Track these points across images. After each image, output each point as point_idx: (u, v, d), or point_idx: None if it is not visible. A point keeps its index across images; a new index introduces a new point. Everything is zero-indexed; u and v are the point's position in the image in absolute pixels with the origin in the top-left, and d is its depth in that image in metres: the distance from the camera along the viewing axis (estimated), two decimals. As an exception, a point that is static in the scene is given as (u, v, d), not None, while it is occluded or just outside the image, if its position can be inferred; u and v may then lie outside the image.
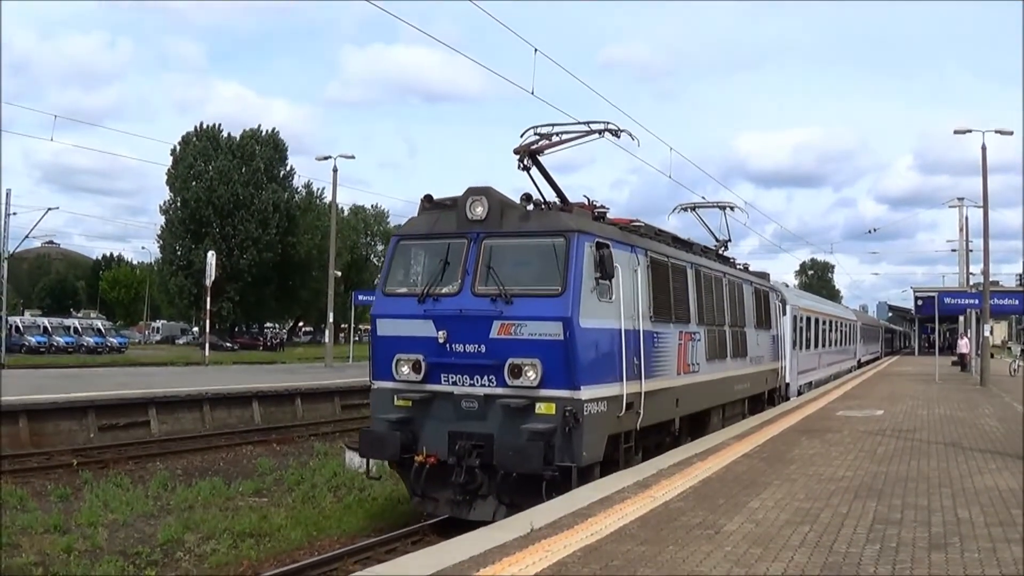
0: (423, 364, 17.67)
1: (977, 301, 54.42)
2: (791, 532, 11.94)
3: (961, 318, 72.85)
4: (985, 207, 49.26)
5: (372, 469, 19.36)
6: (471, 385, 17.39)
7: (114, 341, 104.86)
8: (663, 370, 20.77)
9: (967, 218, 79.51)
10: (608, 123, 20.29)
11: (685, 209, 33.56)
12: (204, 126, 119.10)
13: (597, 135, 20.41)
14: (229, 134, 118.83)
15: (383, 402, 18.35)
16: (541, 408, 16.79)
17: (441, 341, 17.42)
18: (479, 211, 17.78)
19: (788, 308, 40.12)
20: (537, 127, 19.86)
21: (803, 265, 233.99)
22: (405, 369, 17.88)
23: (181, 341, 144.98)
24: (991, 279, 55.93)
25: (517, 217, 17.85)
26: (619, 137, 20.66)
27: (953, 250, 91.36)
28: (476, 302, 17.27)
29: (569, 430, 16.47)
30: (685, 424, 23.37)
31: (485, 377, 17.25)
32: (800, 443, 21.54)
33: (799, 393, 41.49)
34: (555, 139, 19.90)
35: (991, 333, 52.94)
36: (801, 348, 43.72)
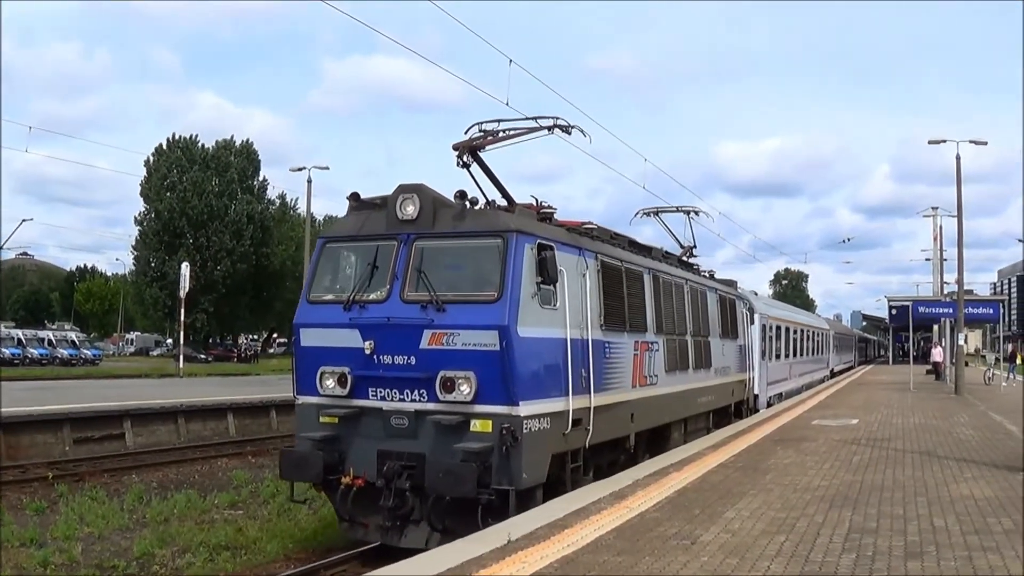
0: (349, 377, 16.56)
1: (951, 310, 54.70)
2: (767, 542, 11.96)
3: (935, 327, 73.12)
4: (959, 216, 49.53)
5: (296, 492, 18.62)
6: (401, 400, 16.17)
7: (88, 353, 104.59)
8: (616, 383, 19.59)
9: (941, 227, 79.76)
10: (557, 118, 19.07)
11: (648, 214, 32.51)
12: (178, 137, 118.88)
13: (546, 131, 19.12)
14: (203, 145, 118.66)
15: (308, 419, 17.11)
16: (476, 425, 15.65)
17: (368, 352, 16.21)
18: (410, 210, 16.65)
19: (756, 317, 39.41)
20: (482, 123, 18.72)
21: (777, 275, 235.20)
22: (330, 383, 16.78)
23: (155, 353, 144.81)
24: (966, 288, 56.20)
25: (451, 217, 16.58)
26: (570, 133, 19.27)
27: (927, 259, 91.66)
28: (405, 309, 16.13)
29: (507, 449, 15.27)
30: (643, 440, 22.39)
31: (416, 391, 16.03)
32: (776, 453, 21.59)
33: (768, 405, 40.67)
34: (500, 135, 18.69)
35: (965, 341, 53.12)
36: (771, 358, 42.83)
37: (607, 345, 19.12)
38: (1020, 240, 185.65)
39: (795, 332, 52.59)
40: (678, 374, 24.72)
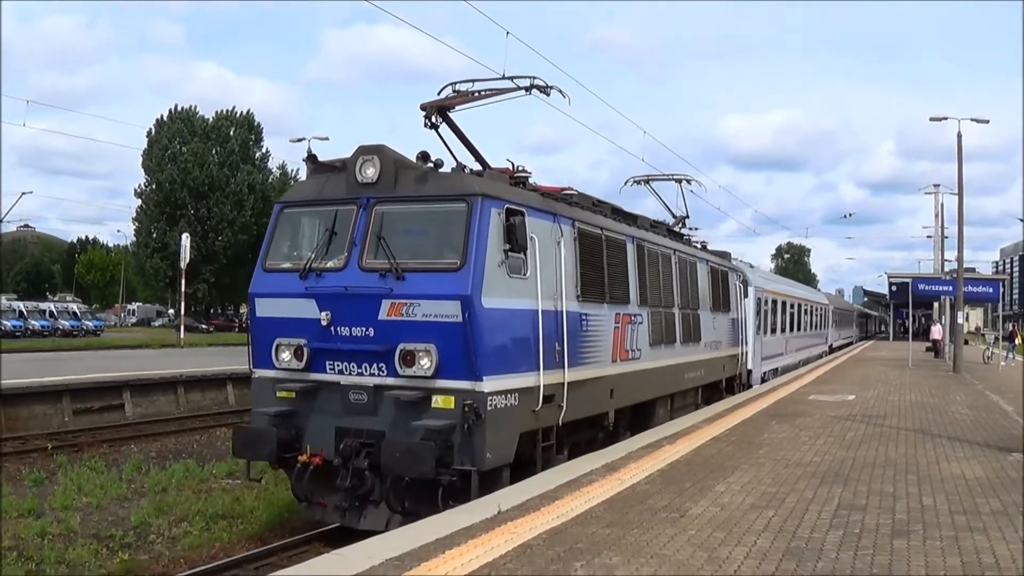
0: (305, 350, 15.77)
1: (951, 288, 54.58)
2: (755, 516, 12.04)
3: (936, 304, 73.09)
4: (960, 194, 49.38)
5: (253, 470, 17.45)
6: (359, 374, 15.37)
7: (90, 324, 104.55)
8: (593, 357, 18.62)
9: (943, 204, 79.69)
10: (535, 78, 18.23)
11: (638, 182, 31.64)
12: (179, 108, 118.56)
13: (523, 91, 18.26)
14: (203, 116, 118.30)
15: (263, 393, 16.35)
16: (438, 402, 14.81)
17: (324, 323, 15.41)
18: (370, 172, 15.77)
19: (751, 290, 38.32)
20: (455, 83, 17.90)
21: (779, 249, 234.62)
22: (286, 355, 16.01)
23: (157, 323, 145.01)
24: (968, 266, 56.22)
25: (413, 179, 15.69)
26: (548, 94, 18.36)
27: (929, 236, 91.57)
28: (363, 278, 15.26)
29: (469, 427, 14.48)
30: (624, 417, 21.52)
31: (374, 365, 15.21)
32: (770, 427, 21.66)
33: (763, 380, 39.81)
34: (474, 95, 17.88)
35: (966, 320, 53.09)
36: (765, 333, 41.91)
37: (584, 317, 18.25)
38: (1022, 220, 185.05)
39: (792, 306, 51.59)
40: (664, 348, 23.86)
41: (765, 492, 13.76)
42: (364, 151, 16.00)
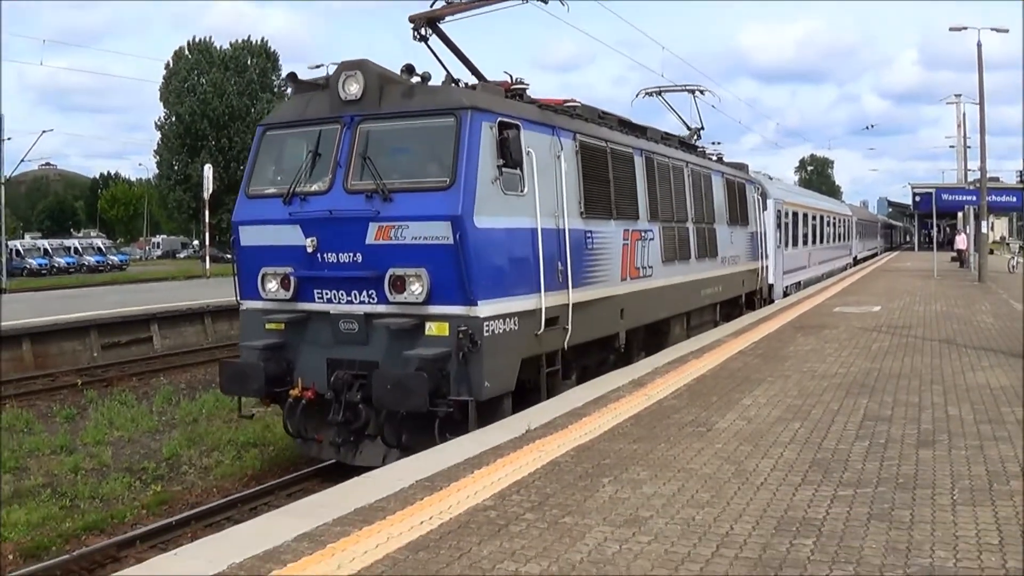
0: (292, 279, 15.10)
1: (975, 197, 54.37)
2: (782, 429, 12.12)
3: (960, 214, 72.77)
4: (981, 104, 49.07)
5: (244, 407, 16.77)
6: (349, 303, 14.79)
7: (115, 259, 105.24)
8: (600, 276, 18.02)
9: (964, 114, 79.07)
10: None
11: (650, 94, 30.48)
12: (197, 39, 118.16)
13: (520, 0, 17.42)
14: (221, 46, 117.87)
15: (252, 326, 15.79)
16: (432, 329, 14.16)
17: (310, 250, 14.78)
18: (353, 89, 14.94)
19: (770, 203, 37.40)
20: None
21: (802, 161, 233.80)
22: (272, 285, 15.37)
23: (182, 255, 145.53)
24: (992, 175, 55.94)
25: (399, 94, 14.86)
26: (547, 2, 17.49)
27: (951, 147, 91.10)
28: (349, 201, 14.57)
29: (465, 355, 13.83)
30: (638, 338, 20.97)
31: (364, 292, 14.63)
32: (796, 340, 21.68)
33: (785, 295, 39.11)
34: (464, 4, 17.03)
35: (991, 229, 52.89)
36: (787, 246, 40.93)
37: (589, 235, 17.58)
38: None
39: (814, 218, 50.74)
40: (678, 265, 23.21)
41: (791, 404, 13.81)
42: (347, 66, 15.21)
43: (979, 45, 47.28)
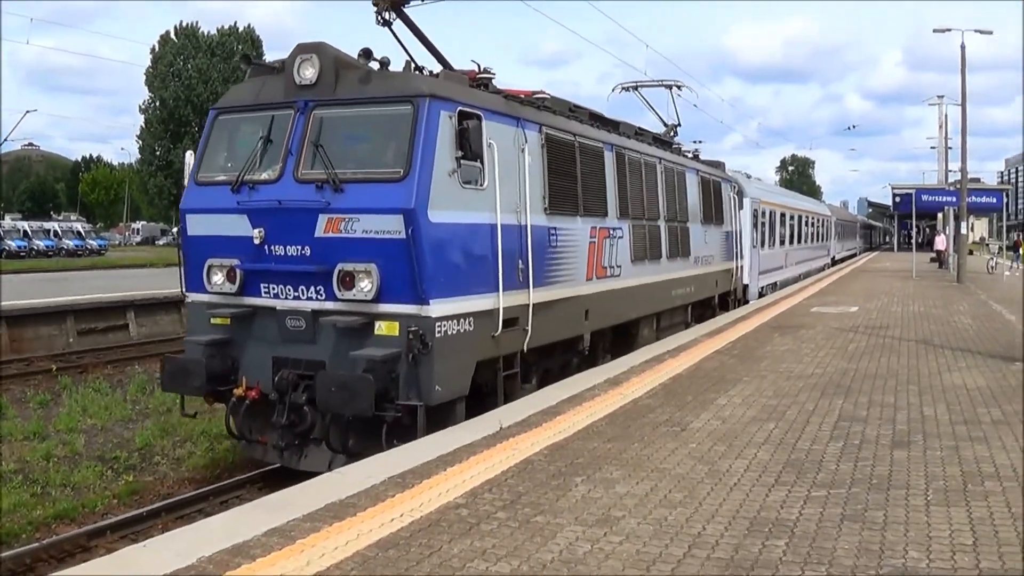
0: (238, 272, 14.42)
1: (955, 198, 54.48)
2: (756, 429, 12.10)
3: (940, 215, 72.93)
4: (964, 105, 49.30)
5: (188, 405, 16.12)
6: (296, 298, 14.08)
7: (94, 243, 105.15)
8: (564, 275, 17.39)
9: (946, 115, 79.31)
10: None
11: (626, 89, 30.30)
12: (183, 24, 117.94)
13: None
14: (207, 32, 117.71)
15: (198, 320, 15.25)
16: (381, 328, 13.47)
17: (258, 242, 14.05)
18: (308, 73, 14.25)
19: (747, 201, 36.94)
20: None
21: (783, 161, 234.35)
22: (218, 278, 14.69)
23: (161, 242, 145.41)
24: (972, 176, 56.13)
25: (356, 80, 14.18)
26: None
27: (933, 147, 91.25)
28: (298, 191, 13.84)
29: (414, 357, 13.11)
30: (604, 339, 20.42)
31: (312, 288, 13.91)
32: (772, 340, 21.69)
33: (761, 295, 38.66)
34: None
35: (971, 230, 53.07)
36: (763, 246, 40.54)
37: (553, 232, 16.95)
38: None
39: (792, 218, 50.42)
40: (648, 264, 22.56)
41: (766, 405, 13.80)
42: (302, 49, 14.51)
43: (962, 47, 47.56)
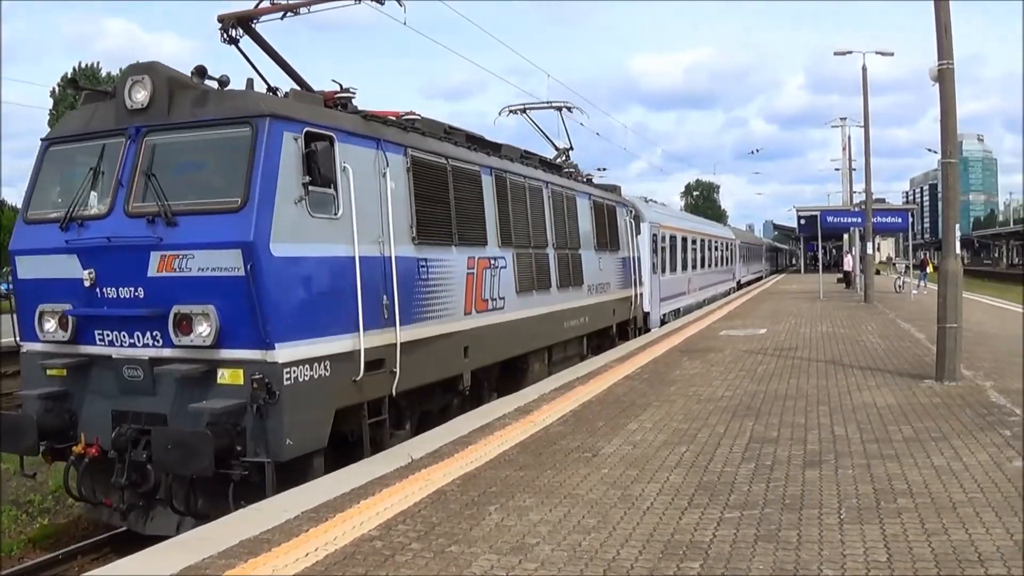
0: (70, 318, 13.12)
1: (859, 219, 55.01)
2: (668, 453, 12.09)
3: (846, 236, 73.66)
4: (866, 126, 50.08)
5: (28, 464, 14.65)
6: (132, 345, 12.72)
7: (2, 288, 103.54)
8: (438, 310, 16.28)
9: (850, 137, 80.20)
10: None
11: (514, 111, 29.05)
12: (83, 65, 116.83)
13: (352, 1, 15.33)
14: (109, 72, 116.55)
15: (33, 371, 13.70)
16: (224, 376, 12.18)
17: (88, 284, 12.74)
18: (140, 97, 13.01)
19: (645, 226, 36.09)
20: None
21: (688, 186, 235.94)
22: (50, 325, 13.36)
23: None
24: (878, 196, 56.77)
25: (191, 102, 12.90)
26: (383, 3, 15.37)
27: (837, 169, 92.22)
28: (129, 226, 12.53)
29: (259, 408, 11.88)
30: (490, 376, 19.45)
31: (148, 334, 12.59)
32: (682, 364, 21.69)
33: (663, 323, 37.92)
34: (284, 3, 15.08)
35: (877, 250, 53.60)
36: (664, 271, 39.78)
37: (423, 263, 15.85)
38: (930, 150, 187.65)
39: (694, 242, 49.96)
40: (536, 295, 21.37)
41: (677, 428, 13.79)
42: (134, 70, 13.32)
43: (864, 68, 48.26)
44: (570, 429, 13.93)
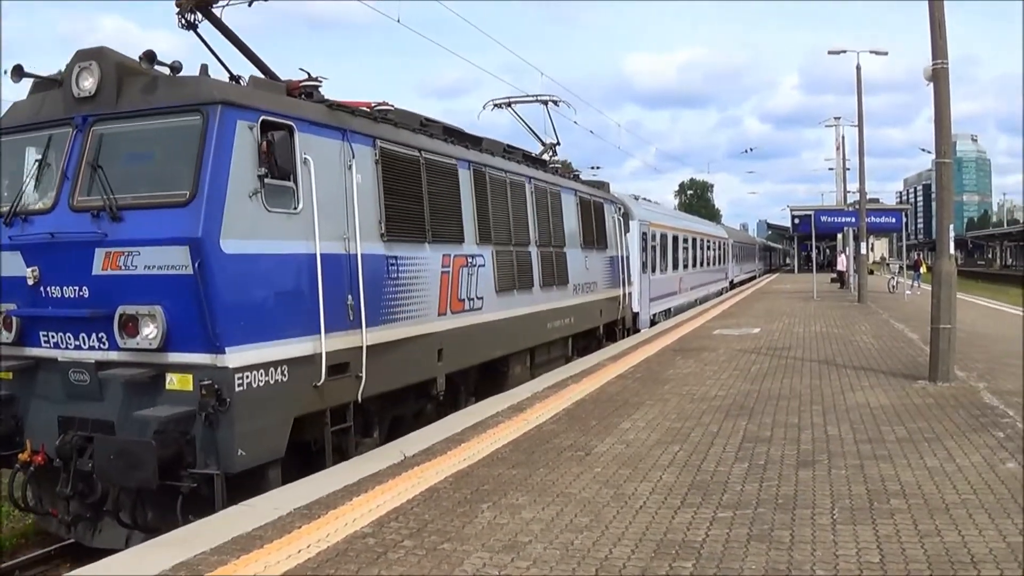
0: (13, 319, 12.52)
1: (853, 219, 55.04)
2: (661, 452, 12.08)
3: (839, 235, 73.72)
4: (860, 126, 50.04)
5: None
6: (77, 348, 12.07)
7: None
8: (409, 311, 15.48)
9: (844, 137, 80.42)
10: None
11: (499, 105, 28.04)
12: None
13: None
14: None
15: None
16: (173, 382, 11.47)
17: (32, 283, 12.12)
18: (87, 84, 12.21)
19: (634, 224, 35.23)
20: None
21: (682, 185, 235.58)
22: None
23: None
24: (872, 196, 56.77)
25: (140, 89, 12.09)
26: None
27: (831, 169, 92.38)
28: (73, 221, 11.85)
29: (208, 416, 11.18)
30: (468, 380, 18.77)
31: (93, 335, 11.93)
32: (675, 363, 21.67)
33: (653, 323, 37.08)
34: None
35: (871, 250, 53.58)
36: (654, 271, 39.15)
37: (393, 261, 15.07)
38: (924, 150, 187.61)
39: (685, 241, 49.17)
40: (517, 295, 20.60)
41: (670, 427, 13.78)
42: (81, 56, 12.44)
43: (858, 68, 48.25)
44: (563, 428, 13.93)
